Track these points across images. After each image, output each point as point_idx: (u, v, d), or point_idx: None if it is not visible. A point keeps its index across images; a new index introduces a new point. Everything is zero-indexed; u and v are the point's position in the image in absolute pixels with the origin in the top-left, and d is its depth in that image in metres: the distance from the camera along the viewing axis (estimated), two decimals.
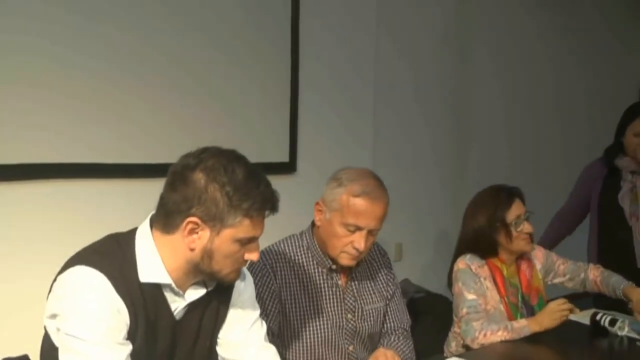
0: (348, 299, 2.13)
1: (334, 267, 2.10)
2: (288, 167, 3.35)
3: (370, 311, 2.17)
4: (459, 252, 2.54)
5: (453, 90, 4.23)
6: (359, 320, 2.13)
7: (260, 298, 1.98)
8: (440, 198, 4.18)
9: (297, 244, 2.13)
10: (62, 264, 1.54)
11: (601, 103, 4.98)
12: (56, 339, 1.49)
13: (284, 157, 3.33)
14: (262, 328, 1.75)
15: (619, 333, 2.37)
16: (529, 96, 4.68)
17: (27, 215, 2.48)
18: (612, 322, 2.39)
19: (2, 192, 2.42)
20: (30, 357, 1.73)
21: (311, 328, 2.06)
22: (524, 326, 2.32)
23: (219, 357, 1.73)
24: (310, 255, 2.11)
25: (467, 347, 2.39)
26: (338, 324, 2.09)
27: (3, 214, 2.44)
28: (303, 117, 3.39)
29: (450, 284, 2.54)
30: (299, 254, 2.11)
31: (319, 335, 2.07)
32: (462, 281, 2.43)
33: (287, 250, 2.11)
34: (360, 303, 2.15)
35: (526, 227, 2.45)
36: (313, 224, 2.14)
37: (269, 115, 3.26)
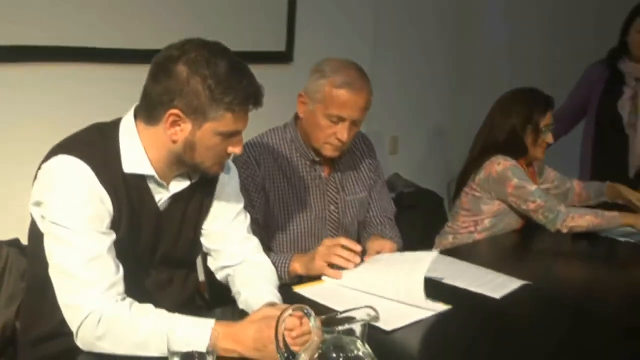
0: (330, 190, 2.15)
1: (317, 159, 2.10)
2: (284, 57, 3.30)
3: (353, 202, 2.18)
4: (486, 153, 2.47)
5: None
6: (342, 212, 2.16)
7: (245, 189, 2.00)
8: (439, 92, 4.13)
9: (280, 136, 2.13)
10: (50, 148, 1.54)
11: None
12: (41, 226, 1.52)
13: (280, 46, 3.27)
14: (245, 220, 1.78)
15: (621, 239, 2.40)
16: None
17: (15, 98, 2.45)
18: None
19: None
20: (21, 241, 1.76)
21: (294, 219, 2.09)
22: (615, 216, 2.35)
23: (203, 247, 1.77)
24: (293, 147, 2.11)
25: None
26: (321, 215, 2.12)
27: None
28: (301, 4, 3.29)
29: (461, 182, 2.53)
30: (282, 146, 2.11)
31: (302, 226, 2.10)
32: (517, 177, 2.40)
33: (271, 142, 2.11)
34: (343, 195, 2.16)
35: (549, 137, 2.47)
36: (296, 116, 2.13)
37: (265, 1, 3.15)
